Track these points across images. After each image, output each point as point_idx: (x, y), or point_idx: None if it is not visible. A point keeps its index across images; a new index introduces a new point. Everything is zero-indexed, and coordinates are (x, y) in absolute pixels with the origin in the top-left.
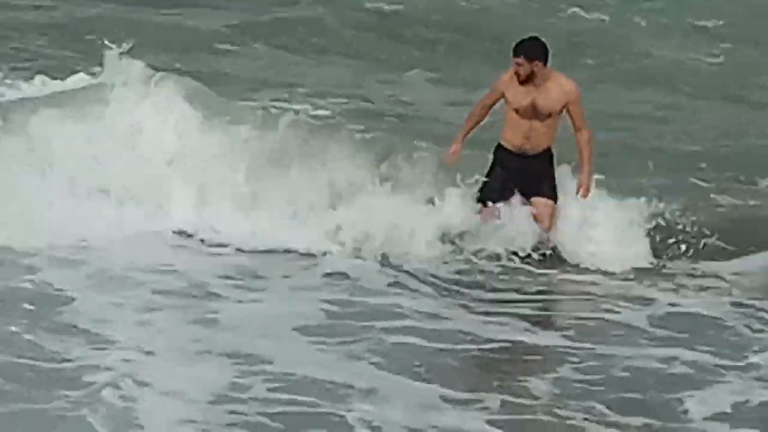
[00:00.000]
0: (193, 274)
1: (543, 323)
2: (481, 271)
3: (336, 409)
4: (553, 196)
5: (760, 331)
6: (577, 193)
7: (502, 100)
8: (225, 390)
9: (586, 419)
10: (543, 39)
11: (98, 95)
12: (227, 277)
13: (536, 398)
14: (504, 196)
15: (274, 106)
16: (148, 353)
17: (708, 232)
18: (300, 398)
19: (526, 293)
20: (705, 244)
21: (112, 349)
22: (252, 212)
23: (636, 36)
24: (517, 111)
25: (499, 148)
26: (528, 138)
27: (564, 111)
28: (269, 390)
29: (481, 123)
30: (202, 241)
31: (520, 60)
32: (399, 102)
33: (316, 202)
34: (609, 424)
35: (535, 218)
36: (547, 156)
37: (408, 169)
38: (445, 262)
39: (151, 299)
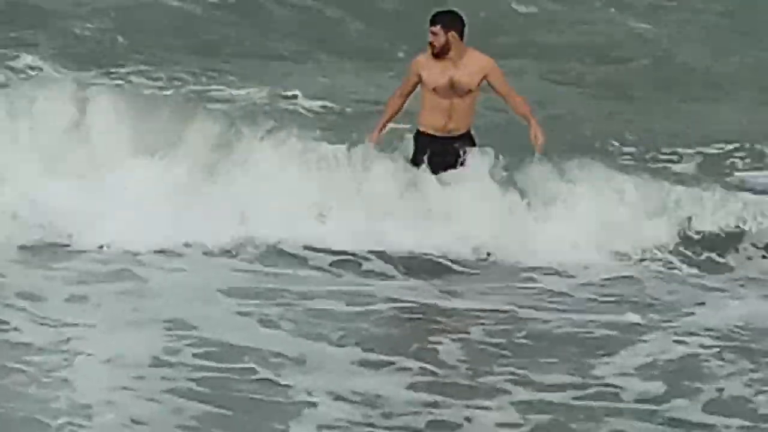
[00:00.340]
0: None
1: (459, 288)
2: (396, 237)
3: (266, 374)
4: None
5: (676, 292)
6: (533, 142)
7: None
8: (158, 356)
9: (503, 380)
10: (461, 13)
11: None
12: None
13: (453, 361)
14: None
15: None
16: (84, 323)
17: (625, 197)
18: (226, 365)
19: (440, 259)
20: (622, 210)
21: (48, 320)
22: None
23: (564, 10)
24: (435, 90)
25: (420, 134)
26: (450, 117)
27: (481, 84)
28: (195, 356)
29: (402, 110)
30: None
31: (436, 29)
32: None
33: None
34: (525, 383)
35: None
36: (468, 138)
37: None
38: (361, 228)
39: (80, 269)
